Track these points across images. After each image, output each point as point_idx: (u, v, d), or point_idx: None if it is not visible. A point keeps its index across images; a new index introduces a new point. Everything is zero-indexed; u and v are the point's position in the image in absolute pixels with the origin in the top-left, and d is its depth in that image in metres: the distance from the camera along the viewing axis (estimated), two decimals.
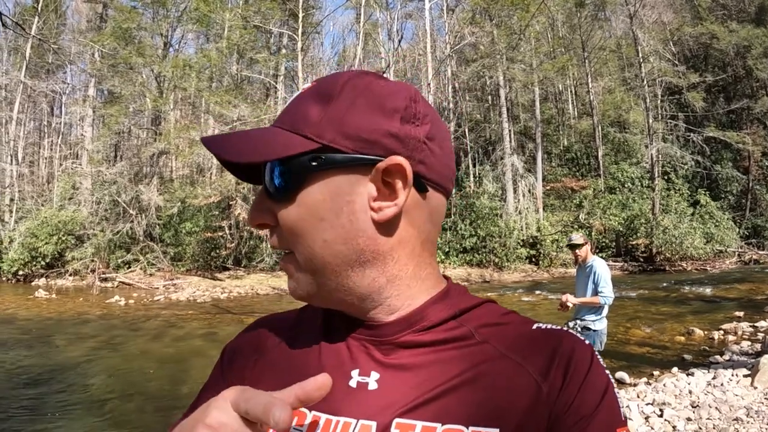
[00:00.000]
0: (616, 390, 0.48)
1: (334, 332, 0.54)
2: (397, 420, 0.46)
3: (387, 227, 0.49)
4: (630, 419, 4.23)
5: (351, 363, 0.50)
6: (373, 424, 0.46)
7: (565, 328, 0.52)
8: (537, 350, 0.49)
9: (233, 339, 0.62)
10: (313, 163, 0.47)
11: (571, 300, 4.12)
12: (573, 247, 4.30)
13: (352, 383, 0.49)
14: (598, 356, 0.49)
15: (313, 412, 0.48)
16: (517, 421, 0.45)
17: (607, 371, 0.49)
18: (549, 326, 0.52)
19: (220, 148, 0.50)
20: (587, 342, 0.50)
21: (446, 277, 0.57)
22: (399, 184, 0.47)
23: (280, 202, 0.49)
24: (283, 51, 19.97)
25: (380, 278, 0.50)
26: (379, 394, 0.48)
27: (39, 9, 22.56)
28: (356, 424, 0.46)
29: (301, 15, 17.44)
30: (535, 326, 0.52)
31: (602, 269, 4.06)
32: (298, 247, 0.49)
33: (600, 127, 21.56)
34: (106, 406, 5.40)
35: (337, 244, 0.48)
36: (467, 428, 0.45)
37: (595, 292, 4.05)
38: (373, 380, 0.49)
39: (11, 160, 20.71)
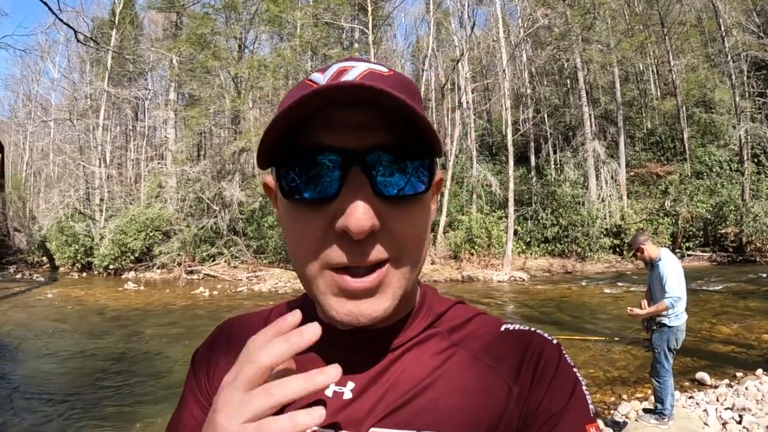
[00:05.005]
0: (584, 388, 0.48)
1: None
2: (372, 429, 0.46)
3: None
4: (706, 425, 3.95)
5: None
6: None
7: (533, 329, 0.52)
8: (507, 353, 0.49)
9: (203, 343, 0.60)
10: (438, 162, 0.47)
11: (636, 312, 3.87)
12: (633, 255, 4.01)
13: (328, 392, 0.48)
14: (566, 355, 0.50)
15: None
16: (489, 424, 0.45)
17: (576, 369, 0.49)
18: (517, 327, 0.53)
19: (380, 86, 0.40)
20: (555, 342, 0.51)
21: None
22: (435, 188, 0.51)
23: (406, 205, 0.44)
24: (356, 45, 20.20)
25: (417, 289, 0.53)
26: (354, 403, 0.47)
27: (116, 22, 23.98)
28: None
29: (370, 8, 17.50)
30: (503, 327, 0.53)
31: (668, 267, 3.71)
32: (412, 254, 0.46)
33: (684, 108, 20.24)
34: None
35: (425, 249, 0.48)
36: None
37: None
38: (348, 390, 0.48)
39: (100, 163, 22.18)
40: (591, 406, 0.47)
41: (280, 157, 0.43)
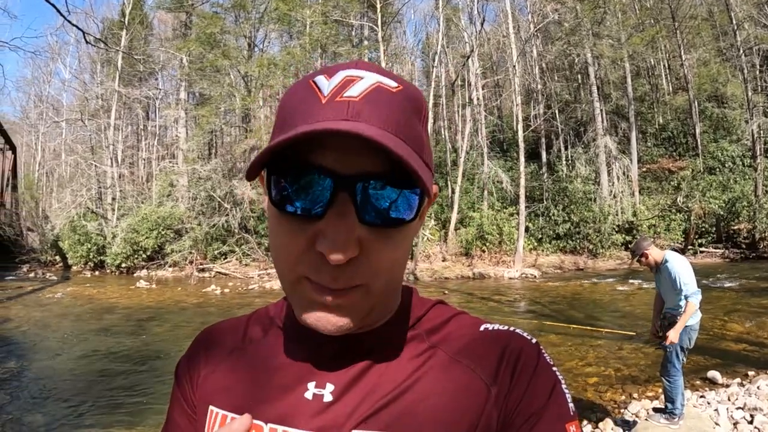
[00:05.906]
0: (564, 387, 0.49)
1: (288, 343, 0.53)
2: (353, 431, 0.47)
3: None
4: (717, 424, 3.87)
5: (307, 375, 0.50)
6: None
7: (512, 328, 0.52)
8: (486, 353, 0.50)
9: (183, 355, 0.61)
10: (426, 198, 0.45)
11: (673, 335, 3.61)
12: (638, 261, 3.86)
13: (308, 395, 0.49)
14: (546, 354, 0.50)
15: (270, 425, 0.48)
16: (469, 425, 0.46)
17: (555, 368, 0.50)
18: (497, 327, 0.53)
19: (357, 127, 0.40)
20: (534, 341, 0.51)
21: None
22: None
23: (390, 233, 0.45)
24: (365, 42, 20.20)
25: (398, 294, 0.54)
26: (334, 405, 0.48)
27: (126, 23, 24.14)
28: None
29: (379, 5, 17.49)
30: (482, 327, 0.53)
31: (677, 265, 3.59)
32: (385, 281, 0.47)
33: (696, 103, 20.05)
34: None
35: (404, 268, 0.50)
36: None
37: (681, 294, 3.59)
38: (328, 392, 0.49)
39: (111, 163, 22.38)
40: (571, 405, 0.48)
41: (274, 163, 0.43)
